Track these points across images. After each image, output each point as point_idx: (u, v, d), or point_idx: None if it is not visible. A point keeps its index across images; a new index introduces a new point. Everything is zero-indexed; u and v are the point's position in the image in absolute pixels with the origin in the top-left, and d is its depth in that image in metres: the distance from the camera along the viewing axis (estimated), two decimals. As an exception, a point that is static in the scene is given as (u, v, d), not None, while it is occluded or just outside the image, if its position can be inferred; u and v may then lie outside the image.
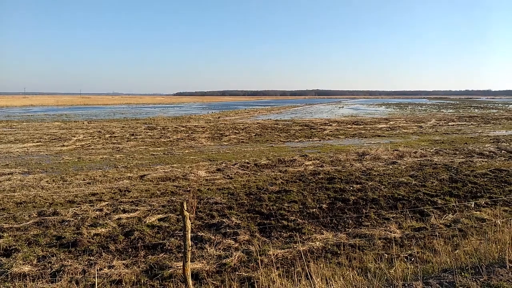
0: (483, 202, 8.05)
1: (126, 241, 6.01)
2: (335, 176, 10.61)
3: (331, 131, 23.86)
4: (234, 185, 9.76)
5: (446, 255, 4.21)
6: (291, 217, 7.07)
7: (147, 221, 6.87)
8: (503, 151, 14.91)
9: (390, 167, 12.02)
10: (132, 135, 21.93)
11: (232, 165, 12.48)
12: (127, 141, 19.43)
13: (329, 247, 5.64)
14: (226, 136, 21.43)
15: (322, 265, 4.41)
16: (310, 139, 20.28)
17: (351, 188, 9.30)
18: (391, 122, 30.39)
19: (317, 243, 5.72)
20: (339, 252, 5.36)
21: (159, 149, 16.73)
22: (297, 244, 5.48)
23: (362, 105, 78.08)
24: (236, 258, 5.22)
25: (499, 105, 70.05)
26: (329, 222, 6.90)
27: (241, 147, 17.34)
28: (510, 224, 5.57)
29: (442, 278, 3.26)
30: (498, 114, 40.48)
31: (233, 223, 6.75)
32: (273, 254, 5.22)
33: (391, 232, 6.13)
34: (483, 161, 12.88)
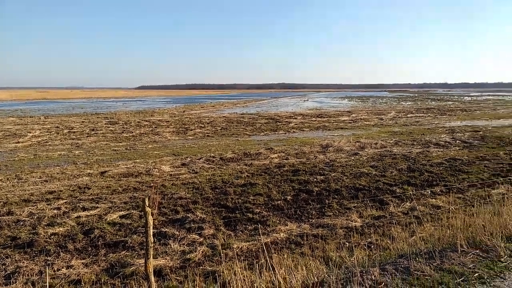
0: (438, 190, 8.44)
1: (85, 240, 5.81)
2: (300, 168, 10.76)
3: (296, 124, 24.14)
4: (199, 179, 9.66)
5: (403, 241, 4.39)
6: (256, 210, 7.11)
7: (108, 219, 6.67)
8: (457, 141, 15.70)
9: (352, 158, 12.35)
10: (93, 130, 21.16)
11: (198, 159, 12.35)
12: (87, 136, 18.74)
13: (293, 238, 5.72)
14: (191, 130, 21.17)
15: (285, 255, 4.45)
16: (276, 132, 20.43)
17: (315, 179, 9.47)
18: (353, 115, 31.18)
19: (281, 234, 5.79)
20: (302, 242, 5.45)
21: (121, 144, 16.26)
22: (262, 237, 5.51)
23: (326, 99, 79.59)
24: (201, 252, 5.18)
25: (455, 97, 73.70)
26: (293, 214, 6.99)
27: (206, 141, 17.20)
28: (462, 211, 5.87)
29: (398, 264, 3.40)
30: (454, 106, 42.57)
31: (198, 217, 6.69)
32: (238, 247, 5.23)
33: (352, 221, 6.31)
34: (439, 151, 13.50)
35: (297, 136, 18.67)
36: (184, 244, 5.58)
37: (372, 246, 4.86)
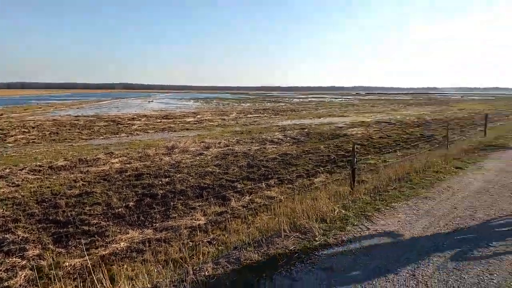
0: (272, 183, 9.34)
1: None
2: (144, 172, 10.35)
3: (140, 126, 23.17)
4: (22, 193, 8.28)
5: (242, 233, 4.68)
6: (94, 221, 6.50)
7: None
8: (288, 138, 17.70)
9: (198, 158, 12.57)
10: None
11: (19, 170, 10.56)
12: None
13: (135, 245, 5.45)
14: (12, 136, 17.99)
15: (126, 266, 4.20)
16: (117, 135, 19.17)
17: (160, 182, 9.26)
18: (198, 116, 31.82)
19: (122, 244, 5.44)
20: (144, 249, 5.24)
21: None
22: (99, 249, 5.06)
23: (172, 100, 78.93)
24: (23, 277, 4.43)
25: (286, 99, 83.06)
26: (136, 220, 6.67)
27: (31, 148, 14.87)
28: (291, 199, 6.61)
29: (231, 256, 3.62)
30: (285, 107, 47.89)
31: (20, 237, 5.71)
32: (70, 265, 4.67)
33: (196, 220, 6.40)
34: (273, 148, 14.96)
35: (141, 139, 17.92)
36: (1, 270, 4.67)
37: (214, 242, 5.03)
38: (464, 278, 3.31)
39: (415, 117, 29.64)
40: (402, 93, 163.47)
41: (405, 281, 3.26)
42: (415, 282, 3.23)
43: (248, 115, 32.96)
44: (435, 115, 32.45)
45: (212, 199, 7.74)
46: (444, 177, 7.25)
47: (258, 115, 33.72)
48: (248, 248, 3.80)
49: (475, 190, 6.28)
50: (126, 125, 23.65)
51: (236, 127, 23.14)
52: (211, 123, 25.66)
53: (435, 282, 3.23)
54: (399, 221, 4.83)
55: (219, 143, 15.75)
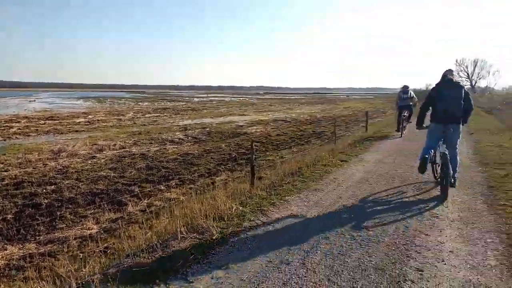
0: (173, 184, 9.12)
1: None
2: (25, 180, 9.21)
3: (19, 129, 20.52)
4: None
5: (139, 239, 4.45)
6: (-41, 241, 5.55)
7: None
8: (189, 138, 17.48)
9: (89, 162, 11.64)
10: None
11: None
12: None
13: (15, 262, 4.81)
14: None
15: (3, 286, 3.67)
16: (-10, 140, 16.68)
17: (44, 190, 8.34)
18: (90, 116, 29.45)
19: (-2, 262, 4.75)
20: (26, 265, 4.65)
21: None
22: (-34, 273, 4.34)
23: (58, 99, 71.64)
24: None
25: (186, 98, 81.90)
26: (15, 234, 5.91)
27: None
28: (192, 199, 6.52)
29: (122, 264, 3.44)
30: (186, 106, 47.17)
31: None
32: None
33: (88, 229, 5.92)
34: (174, 148, 14.62)
35: (21, 143, 15.89)
36: None
37: (108, 251, 4.70)
38: (347, 261, 3.65)
39: (308, 115, 31.88)
40: (297, 93, 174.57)
41: (295, 270, 3.47)
42: (304, 270, 3.46)
43: (147, 115, 31.67)
44: (324, 113, 35.34)
45: (106, 206, 7.22)
46: (331, 169, 7.92)
47: (157, 114, 32.63)
48: (141, 254, 3.64)
49: (357, 180, 6.99)
50: (3, 128, 20.74)
51: (133, 128, 22.02)
52: (105, 124, 23.99)
53: (322, 269, 3.49)
54: (291, 213, 5.13)
55: (114, 145, 14.80)
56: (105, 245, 5.05)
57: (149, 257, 3.58)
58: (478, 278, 3.28)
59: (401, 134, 13.80)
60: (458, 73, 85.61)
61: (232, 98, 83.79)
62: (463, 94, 5.83)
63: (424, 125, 6.37)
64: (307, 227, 4.59)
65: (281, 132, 19.59)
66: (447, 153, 5.75)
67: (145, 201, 7.58)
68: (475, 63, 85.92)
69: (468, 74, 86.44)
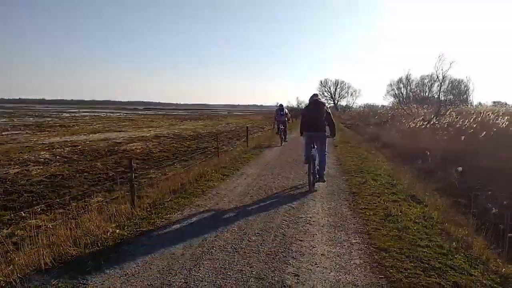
0: (39, 209, 8.08)
1: None
2: None
3: None
4: None
5: (-4, 276, 3.82)
6: None
7: None
8: (57, 157, 15.74)
9: None
10: None
11: None
12: None
13: None
14: None
15: None
16: None
17: None
18: None
19: None
20: None
21: None
22: None
23: None
24: None
25: (54, 113, 73.54)
26: None
27: None
28: (63, 225, 5.87)
29: None
30: (53, 122, 42.43)
31: None
32: None
33: None
34: (39, 169, 12.99)
35: None
36: None
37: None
38: (230, 274, 3.78)
39: (191, 131, 31.86)
40: (179, 109, 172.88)
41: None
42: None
43: (4, 133, 27.47)
44: (208, 128, 35.82)
45: None
46: (214, 184, 8.08)
47: (17, 132, 28.57)
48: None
49: (238, 193, 7.28)
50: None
51: (-14, 148, 18.83)
52: None
53: (205, 286, 3.55)
54: (173, 231, 5.08)
55: (-40, 168, 12.44)
56: None
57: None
58: (346, 277, 3.72)
59: (281, 143, 16.58)
60: (323, 93, 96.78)
61: (110, 114, 78.51)
62: (324, 111, 7.45)
63: (303, 134, 7.83)
64: (189, 244, 4.57)
65: (164, 149, 19.14)
66: (316, 155, 7.57)
67: (5, 230, 6.54)
68: (336, 84, 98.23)
69: (331, 93, 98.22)
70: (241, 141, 19.94)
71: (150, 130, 32.45)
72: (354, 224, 5.38)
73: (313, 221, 5.53)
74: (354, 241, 4.72)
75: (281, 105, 17.67)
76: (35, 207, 8.20)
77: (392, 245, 4.51)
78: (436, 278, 3.65)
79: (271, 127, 27.36)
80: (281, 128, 17.06)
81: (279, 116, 17.33)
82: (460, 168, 9.35)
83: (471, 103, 54.07)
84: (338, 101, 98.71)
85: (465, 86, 66.16)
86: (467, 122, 16.15)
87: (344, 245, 4.57)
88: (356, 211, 6.06)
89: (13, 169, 12.84)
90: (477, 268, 4.04)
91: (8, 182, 10.67)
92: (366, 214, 5.83)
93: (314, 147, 7.60)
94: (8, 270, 4.22)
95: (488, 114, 17.20)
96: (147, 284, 3.54)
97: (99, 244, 4.48)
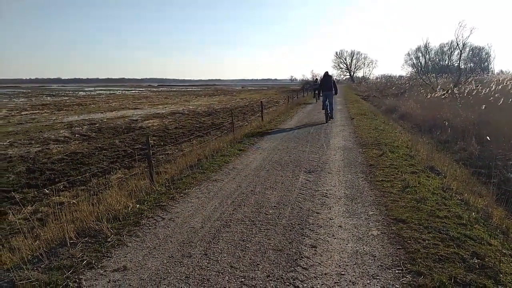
0: (61, 186, 8.33)
1: None
2: None
3: None
4: None
5: (24, 251, 3.99)
6: None
7: None
8: (76, 135, 16.06)
9: (-48, 170, 9.90)
10: None
11: None
12: None
13: None
14: None
15: None
16: None
17: None
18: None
19: None
20: None
21: None
22: None
23: None
24: None
25: (70, 92, 74.50)
26: None
27: None
28: (86, 201, 6.04)
29: (2, 280, 3.07)
30: (70, 101, 43.02)
31: None
32: None
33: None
34: (59, 147, 13.30)
35: None
36: None
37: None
38: (248, 247, 3.82)
39: (206, 107, 31.90)
40: (193, 85, 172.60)
41: (198, 261, 3.52)
42: (207, 261, 3.53)
43: (23, 112, 28.06)
44: (222, 104, 35.77)
45: (-23, 218, 6.27)
46: (230, 159, 8.12)
47: (36, 111, 29.16)
48: (25, 266, 3.29)
49: (254, 168, 7.30)
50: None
51: (8, 127, 19.33)
52: (-31, 124, 20.57)
53: (224, 257, 3.61)
54: (192, 205, 5.15)
55: (-16, 148, 12.84)
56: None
57: (34, 269, 3.26)
58: (364, 248, 3.73)
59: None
60: (338, 65, 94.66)
61: (125, 91, 79.07)
62: (332, 81, 14.50)
63: (320, 95, 15.17)
64: (207, 218, 4.65)
65: (180, 125, 19.28)
66: (328, 104, 14.29)
67: (29, 207, 6.79)
68: (352, 55, 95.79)
69: (347, 65, 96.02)
70: (256, 116, 19.89)
71: (166, 107, 32.63)
72: (371, 196, 5.35)
73: (330, 194, 5.53)
74: (371, 212, 4.70)
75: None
76: (58, 184, 8.46)
77: (410, 216, 4.48)
78: (454, 248, 3.62)
79: (285, 101, 27.09)
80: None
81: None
82: (487, 138, 9.16)
83: (492, 71, 52.22)
84: (354, 73, 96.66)
85: (486, 54, 63.85)
86: (488, 91, 15.65)
87: (361, 217, 4.57)
88: (373, 183, 6.01)
89: (34, 147, 13.18)
90: (496, 238, 4.00)
91: (30, 161, 10.98)
92: (384, 186, 5.78)
93: (327, 101, 14.29)
94: (35, 244, 4.40)
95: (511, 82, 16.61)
96: (168, 256, 3.64)
97: (120, 219, 4.60)
